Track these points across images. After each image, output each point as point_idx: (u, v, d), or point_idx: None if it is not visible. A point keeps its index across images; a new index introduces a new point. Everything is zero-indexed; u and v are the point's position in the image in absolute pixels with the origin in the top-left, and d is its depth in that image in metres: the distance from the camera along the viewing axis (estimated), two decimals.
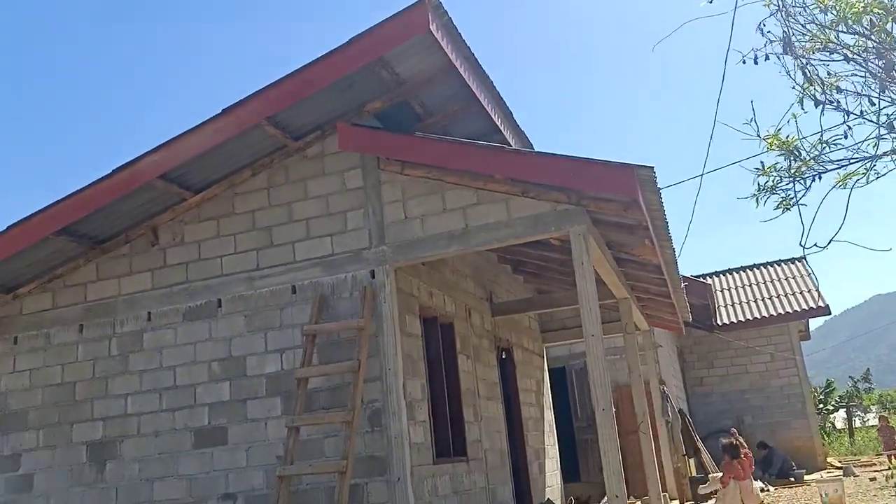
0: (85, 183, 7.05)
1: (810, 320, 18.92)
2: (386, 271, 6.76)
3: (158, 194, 7.29)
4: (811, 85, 4.13)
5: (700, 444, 14.42)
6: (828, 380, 28.55)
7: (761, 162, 4.48)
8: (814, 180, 4.39)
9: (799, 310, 17.12)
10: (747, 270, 19.89)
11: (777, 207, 4.60)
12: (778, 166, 4.46)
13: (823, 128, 3.87)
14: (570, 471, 13.62)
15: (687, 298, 13.59)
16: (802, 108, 4.57)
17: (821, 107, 3.84)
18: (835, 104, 3.81)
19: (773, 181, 4.53)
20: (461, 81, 6.98)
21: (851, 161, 4.08)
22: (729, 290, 19.06)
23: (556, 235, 6.51)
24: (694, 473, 13.69)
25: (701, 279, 17.31)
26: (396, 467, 6.39)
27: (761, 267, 19.81)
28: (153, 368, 7.28)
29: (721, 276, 20.14)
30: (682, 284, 9.39)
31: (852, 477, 15.16)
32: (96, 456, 7.25)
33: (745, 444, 9.95)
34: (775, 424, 17.60)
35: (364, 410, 6.51)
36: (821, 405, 26.32)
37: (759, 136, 4.75)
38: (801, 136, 4.50)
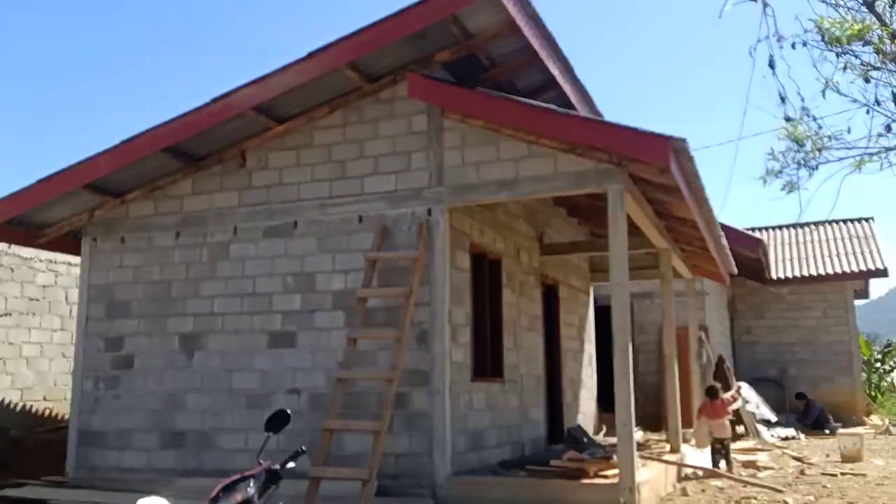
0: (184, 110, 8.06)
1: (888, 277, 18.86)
2: (441, 210, 7.59)
3: (248, 122, 8.21)
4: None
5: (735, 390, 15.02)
6: (889, 339, 28.27)
7: (771, 148, 5.04)
8: (815, 169, 4.94)
9: (857, 270, 17.21)
10: (811, 226, 19.87)
11: (783, 189, 5.19)
12: (786, 154, 5.02)
13: (820, 126, 4.41)
14: (610, 401, 14.50)
15: (739, 251, 14.01)
16: (823, 96, 5.10)
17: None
18: (813, 118, 4.34)
19: (780, 166, 5.10)
20: (524, 39, 7.56)
21: (847, 157, 4.62)
22: (790, 244, 19.17)
23: (595, 191, 7.17)
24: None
25: (755, 232, 17.49)
26: (437, 381, 7.38)
27: (826, 224, 19.75)
28: (237, 276, 8.39)
29: (783, 230, 20.19)
30: (723, 239, 9.89)
31: (888, 435, 15.60)
32: (186, 345, 8.49)
33: (728, 396, 10.93)
34: (819, 378, 17.99)
35: (413, 330, 7.47)
36: (878, 363, 26.24)
37: (785, 118, 5.30)
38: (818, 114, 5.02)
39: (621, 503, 6.48)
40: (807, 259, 18.28)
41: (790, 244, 19.25)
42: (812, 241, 19.06)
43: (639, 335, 15.50)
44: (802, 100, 4.35)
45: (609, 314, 14.69)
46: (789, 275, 17.77)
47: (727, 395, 10.70)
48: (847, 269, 17.31)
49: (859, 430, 15.57)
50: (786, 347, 18.38)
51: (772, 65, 3.96)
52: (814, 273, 17.58)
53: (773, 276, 17.63)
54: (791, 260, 18.43)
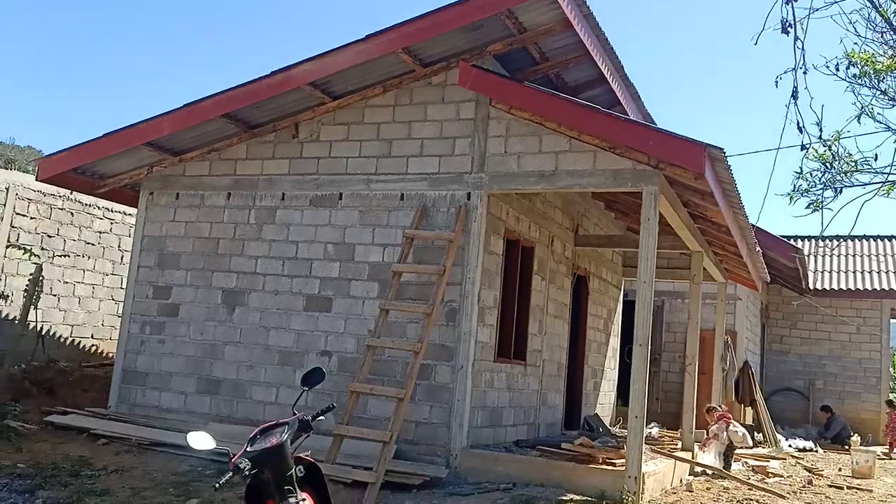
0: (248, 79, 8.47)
1: None
2: (480, 196, 7.90)
3: (305, 96, 8.59)
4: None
5: (758, 397, 15.13)
6: None
7: (800, 167, 5.24)
8: (840, 191, 5.13)
9: (894, 289, 17.04)
10: (854, 240, 19.64)
11: (807, 207, 5.38)
12: (813, 174, 5.21)
13: (858, 149, 4.59)
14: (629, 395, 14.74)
15: (775, 258, 14.03)
16: (858, 122, 5.27)
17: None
18: (829, 148, 4.52)
19: (808, 185, 5.29)
20: (576, 36, 7.77)
21: (872, 182, 4.79)
22: (830, 255, 19.01)
23: (631, 190, 7.40)
24: (749, 422, 14.54)
25: (797, 241, 17.41)
26: (461, 357, 7.75)
27: (870, 239, 19.51)
28: (281, 240, 8.83)
29: (825, 240, 19.99)
30: (757, 247, 10.00)
31: None
32: (228, 300, 8.99)
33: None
34: (845, 394, 17.95)
35: (442, 307, 7.82)
36: None
37: (820, 138, 5.47)
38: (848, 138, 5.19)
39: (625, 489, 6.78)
40: (846, 273, 18.14)
41: (830, 256, 19.09)
42: (853, 255, 18.88)
43: (666, 333, 15.66)
44: (821, 130, 4.54)
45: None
46: (827, 286, 17.67)
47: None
48: (886, 287, 17.15)
49: (876, 448, 15.57)
50: (815, 360, 18.34)
51: (794, 95, 4.17)
52: (852, 287, 17.46)
53: (811, 286, 17.54)
54: (830, 272, 18.31)
